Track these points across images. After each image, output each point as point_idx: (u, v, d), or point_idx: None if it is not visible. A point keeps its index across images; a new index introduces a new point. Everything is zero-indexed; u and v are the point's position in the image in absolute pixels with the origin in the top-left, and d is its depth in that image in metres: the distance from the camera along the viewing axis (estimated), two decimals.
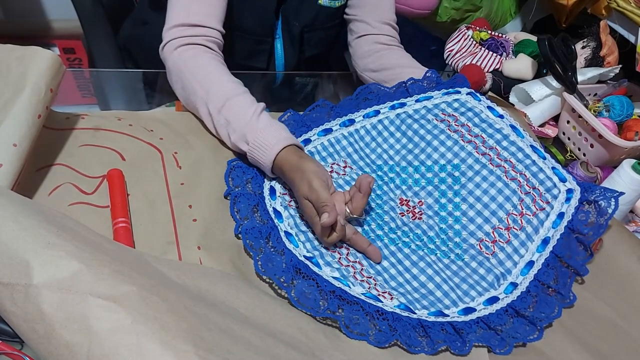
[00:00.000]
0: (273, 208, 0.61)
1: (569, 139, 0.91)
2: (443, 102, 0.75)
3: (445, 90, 0.77)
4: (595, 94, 0.95)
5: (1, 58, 0.57)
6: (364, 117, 0.74)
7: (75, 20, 1.00)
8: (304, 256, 0.56)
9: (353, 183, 0.68)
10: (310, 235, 0.60)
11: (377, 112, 0.75)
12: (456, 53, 0.99)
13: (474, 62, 0.96)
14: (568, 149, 0.91)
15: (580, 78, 0.89)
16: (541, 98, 0.90)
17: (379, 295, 0.55)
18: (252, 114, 0.64)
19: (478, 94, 0.76)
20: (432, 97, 0.76)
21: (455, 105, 0.75)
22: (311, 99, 1.02)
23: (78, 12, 1.00)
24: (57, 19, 1.72)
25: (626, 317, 0.61)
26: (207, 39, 0.71)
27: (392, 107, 0.75)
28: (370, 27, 0.90)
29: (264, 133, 0.62)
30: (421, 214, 0.66)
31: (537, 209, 0.65)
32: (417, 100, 0.76)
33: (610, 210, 0.62)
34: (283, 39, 0.92)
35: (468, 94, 0.76)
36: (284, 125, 0.65)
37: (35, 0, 1.67)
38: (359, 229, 0.62)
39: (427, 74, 0.79)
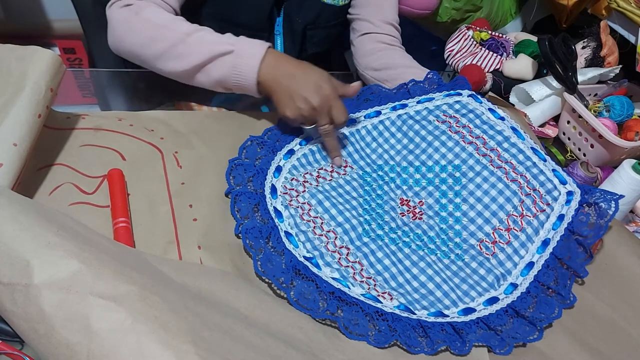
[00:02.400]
0: (274, 207, 0.61)
1: (569, 139, 0.91)
2: (444, 103, 0.75)
3: (447, 92, 0.77)
4: (596, 94, 0.95)
5: (1, 58, 0.57)
6: (365, 117, 0.75)
7: (75, 20, 1.00)
8: (304, 256, 0.56)
9: (354, 183, 0.68)
10: (310, 235, 0.60)
11: (379, 113, 0.75)
12: (456, 53, 0.99)
13: (474, 62, 0.96)
14: (568, 149, 0.91)
15: (580, 78, 0.89)
16: (541, 98, 0.90)
17: (378, 295, 0.55)
18: (225, 35, 0.66)
19: (479, 96, 0.76)
20: (434, 98, 0.76)
21: (457, 106, 0.75)
22: None
23: (78, 12, 1.00)
24: (57, 19, 1.72)
25: (626, 317, 0.61)
26: (156, 5, 0.70)
27: (394, 108, 0.75)
28: (373, 26, 0.90)
29: (242, 40, 0.64)
30: (421, 214, 0.66)
31: (537, 211, 0.65)
32: (418, 102, 0.76)
33: (610, 212, 0.62)
34: (284, 35, 0.92)
35: (469, 95, 0.76)
36: None
37: (36, 0, 1.66)
38: (359, 229, 0.62)
39: (429, 76, 0.79)
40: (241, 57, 0.64)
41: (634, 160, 0.76)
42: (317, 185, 0.66)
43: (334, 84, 0.65)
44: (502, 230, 0.64)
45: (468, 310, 0.57)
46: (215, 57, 0.65)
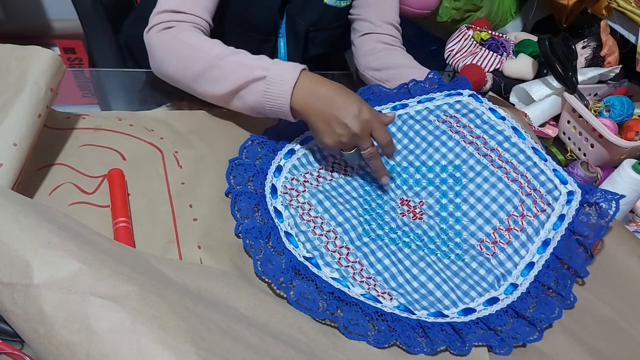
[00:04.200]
0: (274, 207, 0.61)
1: (569, 139, 0.91)
2: (445, 103, 0.75)
3: (447, 92, 0.77)
4: (596, 94, 0.95)
5: (1, 58, 0.57)
6: None
7: (75, 20, 1.00)
8: (304, 257, 0.56)
9: (354, 183, 0.68)
10: (310, 235, 0.60)
11: None
12: (457, 53, 0.99)
13: (474, 62, 0.96)
14: (568, 149, 0.91)
15: (580, 78, 0.89)
16: (541, 98, 0.90)
17: (378, 296, 0.55)
18: (259, 57, 0.64)
19: (480, 96, 0.76)
20: (434, 98, 0.76)
21: (457, 106, 0.75)
22: None
23: (78, 12, 1.00)
24: (57, 19, 1.72)
25: (626, 317, 0.61)
26: (193, 26, 0.71)
27: (394, 108, 0.75)
28: (374, 26, 0.90)
29: (277, 65, 0.62)
30: (422, 214, 0.66)
31: (537, 211, 0.64)
32: (419, 102, 0.76)
33: (611, 212, 0.62)
34: (287, 37, 0.92)
35: (470, 95, 0.76)
36: None
37: (36, 0, 1.67)
38: (359, 229, 0.62)
39: (429, 76, 0.79)
40: (273, 83, 0.61)
41: (634, 160, 0.76)
42: (317, 185, 0.66)
43: (371, 109, 0.62)
44: (502, 230, 0.64)
45: (468, 311, 0.57)
46: (248, 83, 0.63)
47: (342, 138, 0.60)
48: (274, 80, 0.61)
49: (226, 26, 0.85)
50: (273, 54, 0.94)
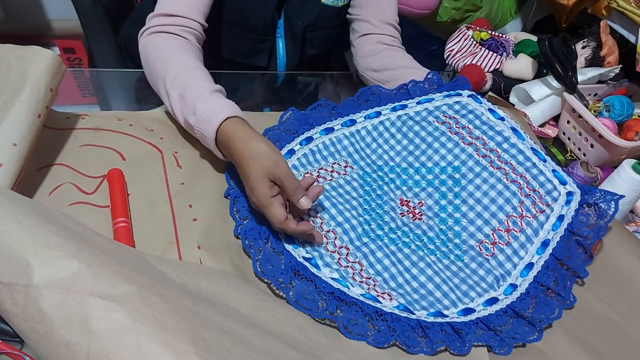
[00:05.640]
0: None
1: (569, 139, 0.91)
2: (444, 104, 0.75)
3: (447, 93, 0.77)
4: (596, 94, 0.95)
5: (1, 58, 0.57)
6: (365, 118, 0.74)
7: (75, 20, 1.00)
8: (303, 257, 0.56)
9: (354, 183, 0.68)
10: None
11: (379, 114, 0.75)
12: (456, 53, 0.99)
13: (474, 62, 0.96)
14: (568, 149, 0.91)
15: (580, 78, 0.89)
16: (541, 98, 0.90)
17: (378, 296, 0.55)
18: (207, 88, 0.61)
19: (479, 97, 0.76)
20: (434, 99, 0.76)
21: (457, 107, 0.75)
22: (312, 98, 1.02)
23: (78, 12, 1.00)
24: (57, 19, 1.72)
25: (626, 317, 0.61)
26: (183, 29, 0.71)
27: (394, 109, 0.75)
28: (373, 27, 0.90)
29: (211, 102, 0.59)
30: (421, 215, 0.66)
31: (537, 212, 0.65)
32: (418, 102, 0.76)
33: (610, 213, 0.62)
34: (285, 37, 0.92)
35: (469, 96, 0.76)
36: (236, 105, 0.62)
37: (35, 0, 1.67)
38: (359, 229, 0.62)
39: (429, 76, 0.79)
40: (200, 123, 0.60)
41: (634, 160, 0.76)
42: None
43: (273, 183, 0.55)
44: (501, 231, 0.64)
45: (467, 311, 0.57)
46: (185, 119, 0.62)
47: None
48: (201, 120, 0.59)
49: (222, 26, 0.86)
50: (271, 54, 0.94)
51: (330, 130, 0.72)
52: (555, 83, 0.90)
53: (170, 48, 0.68)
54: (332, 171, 0.69)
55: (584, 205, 0.64)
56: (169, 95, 0.65)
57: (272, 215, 0.54)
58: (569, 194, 0.65)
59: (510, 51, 1.01)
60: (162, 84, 0.66)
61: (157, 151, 0.66)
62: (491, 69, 0.96)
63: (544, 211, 0.64)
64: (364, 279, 0.57)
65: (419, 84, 0.78)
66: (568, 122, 0.90)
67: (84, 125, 0.66)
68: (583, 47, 0.99)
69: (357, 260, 0.59)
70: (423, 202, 0.67)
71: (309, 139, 0.71)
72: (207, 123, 0.59)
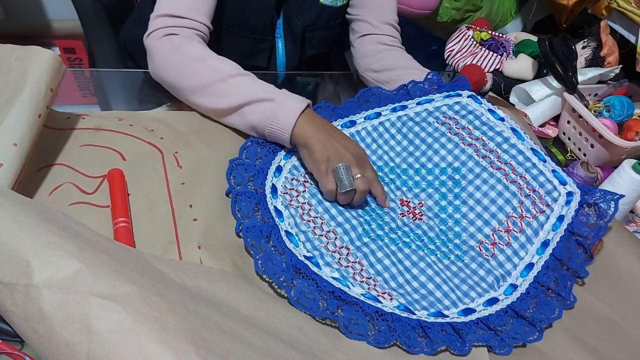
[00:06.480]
0: (274, 207, 0.61)
1: (569, 139, 0.91)
2: (444, 104, 0.75)
3: (447, 93, 0.77)
4: (596, 94, 0.95)
5: (1, 58, 0.57)
6: (365, 118, 0.75)
7: (75, 20, 1.00)
8: (304, 256, 0.56)
9: None
10: (310, 235, 0.60)
11: (379, 115, 0.75)
12: (456, 53, 0.99)
13: (474, 62, 0.96)
14: (568, 149, 0.91)
15: (580, 78, 0.89)
16: (541, 98, 0.90)
17: (378, 295, 0.55)
18: (269, 84, 0.67)
19: (479, 97, 0.76)
20: (433, 99, 0.76)
21: (456, 108, 0.75)
22: (312, 99, 1.02)
23: (78, 12, 1.00)
24: (57, 19, 1.72)
25: (626, 317, 0.61)
26: (192, 31, 0.72)
27: (394, 110, 0.75)
28: (372, 27, 0.90)
29: (287, 93, 0.65)
30: (421, 215, 0.66)
31: (537, 212, 0.65)
32: (418, 103, 0.76)
33: (610, 213, 0.62)
34: (285, 38, 0.92)
35: (469, 96, 0.76)
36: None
37: (36, 0, 1.67)
38: (359, 229, 0.62)
39: (429, 76, 0.79)
40: (281, 107, 0.64)
41: (634, 160, 0.76)
42: (317, 185, 0.66)
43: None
44: (501, 231, 0.64)
45: (468, 311, 0.57)
46: (255, 102, 0.65)
47: (336, 153, 0.62)
48: (282, 104, 0.64)
49: (221, 26, 0.86)
50: (271, 54, 0.94)
51: None
52: (555, 83, 0.90)
53: (203, 49, 0.70)
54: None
55: (584, 206, 0.64)
56: (211, 90, 0.67)
57: (370, 167, 0.65)
58: (569, 194, 0.65)
59: (511, 51, 1.01)
60: (201, 80, 0.67)
61: (158, 151, 0.66)
62: (491, 69, 0.96)
63: (544, 211, 0.64)
64: (364, 279, 0.57)
65: (418, 85, 0.78)
66: (568, 122, 0.90)
67: (84, 125, 0.66)
68: (583, 47, 0.99)
69: (357, 260, 0.59)
70: (423, 202, 0.67)
71: None
72: (288, 108, 0.64)
